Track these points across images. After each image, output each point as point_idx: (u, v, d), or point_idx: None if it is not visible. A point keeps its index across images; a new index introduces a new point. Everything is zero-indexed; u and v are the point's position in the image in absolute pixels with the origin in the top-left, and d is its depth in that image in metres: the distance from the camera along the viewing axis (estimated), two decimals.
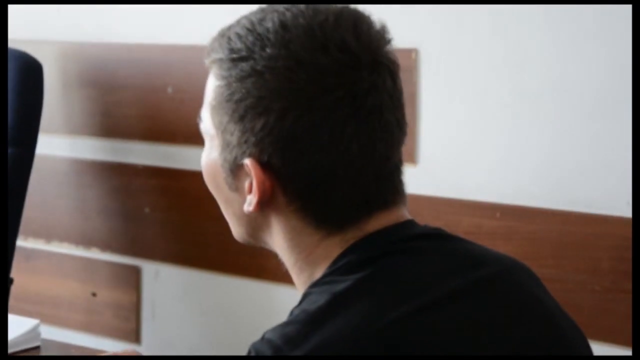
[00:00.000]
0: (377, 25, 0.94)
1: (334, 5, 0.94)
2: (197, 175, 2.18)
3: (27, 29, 2.40)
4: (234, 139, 0.92)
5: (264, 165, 0.90)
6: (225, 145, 0.93)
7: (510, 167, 1.82)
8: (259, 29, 0.91)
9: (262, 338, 0.86)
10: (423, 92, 1.87)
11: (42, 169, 2.30)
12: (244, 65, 0.90)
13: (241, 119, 0.90)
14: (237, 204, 0.95)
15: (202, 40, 2.13)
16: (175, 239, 2.24)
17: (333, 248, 0.92)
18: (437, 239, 0.96)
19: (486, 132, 1.83)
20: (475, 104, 1.84)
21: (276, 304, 2.10)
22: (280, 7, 0.93)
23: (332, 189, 0.90)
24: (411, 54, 1.86)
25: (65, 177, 2.36)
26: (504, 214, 1.81)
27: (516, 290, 0.94)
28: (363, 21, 0.93)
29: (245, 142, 0.90)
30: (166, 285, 2.26)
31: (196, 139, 2.16)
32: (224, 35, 0.94)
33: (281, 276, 2.07)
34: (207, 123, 0.97)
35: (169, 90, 2.19)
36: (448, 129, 1.87)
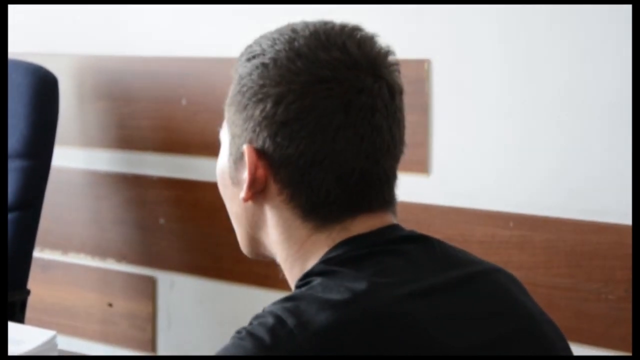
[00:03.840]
0: (384, 46, 0.99)
1: (346, 22, 1.00)
2: (211, 186, 2.20)
3: (42, 42, 2.42)
4: (238, 130, 0.98)
5: (259, 151, 0.96)
6: (232, 138, 1.00)
7: (523, 177, 1.82)
8: (275, 35, 0.99)
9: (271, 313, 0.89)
10: (435, 103, 1.88)
11: (58, 180, 2.32)
12: (255, 61, 0.98)
13: (244, 107, 0.97)
14: (238, 200, 1.00)
15: (216, 53, 2.17)
16: (190, 250, 2.25)
17: (320, 245, 0.97)
18: (422, 241, 0.99)
19: (499, 142, 1.84)
20: (487, 114, 1.85)
21: None
22: (298, 21, 1.01)
23: (318, 179, 0.95)
24: (423, 64, 1.87)
25: (81, 189, 2.38)
26: (517, 223, 1.82)
27: (495, 289, 0.98)
28: (369, 37, 0.98)
29: (246, 129, 0.97)
30: (181, 295, 2.27)
31: (210, 150, 2.19)
32: (248, 45, 1.02)
33: None
34: (224, 126, 1.03)
35: (183, 102, 2.21)
36: (460, 138, 1.87)
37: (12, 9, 2.41)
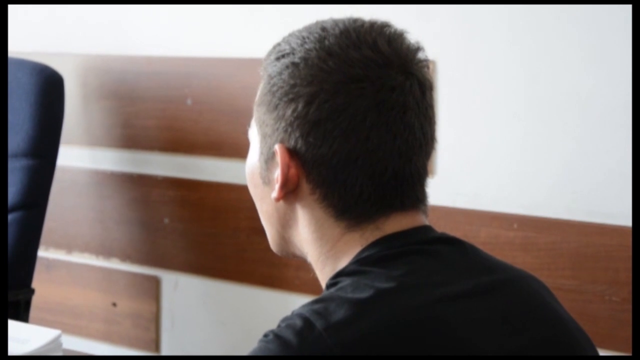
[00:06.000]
0: (414, 42, 1.00)
1: (374, 19, 1.00)
2: (215, 186, 2.22)
3: (48, 42, 2.42)
4: (269, 129, 0.98)
5: (291, 150, 0.96)
6: (262, 138, 1.00)
7: (528, 178, 1.82)
8: (304, 33, 0.99)
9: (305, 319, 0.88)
10: (440, 104, 1.87)
11: (63, 180, 2.32)
12: (285, 60, 0.97)
13: (275, 107, 0.97)
14: (269, 199, 1.00)
15: (221, 53, 2.17)
16: (195, 250, 2.25)
17: (353, 244, 0.96)
18: (454, 244, 0.99)
19: (503, 143, 1.84)
20: (493, 116, 1.85)
21: None
22: (327, 19, 1.01)
23: (352, 178, 0.95)
24: (429, 65, 1.87)
25: (86, 188, 2.38)
26: (521, 224, 1.82)
27: (527, 295, 0.98)
28: (399, 34, 0.99)
29: (277, 129, 0.97)
30: (185, 295, 2.27)
31: (215, 150, 2.20)
32: (276, 43, 1.01)
33: (298, 286, 2.10)
34: (252, 125, 1.03)
35: (188, 102, 2.21)
36: (465, 140, 1.87)
37: (18, 8, 2.41)
